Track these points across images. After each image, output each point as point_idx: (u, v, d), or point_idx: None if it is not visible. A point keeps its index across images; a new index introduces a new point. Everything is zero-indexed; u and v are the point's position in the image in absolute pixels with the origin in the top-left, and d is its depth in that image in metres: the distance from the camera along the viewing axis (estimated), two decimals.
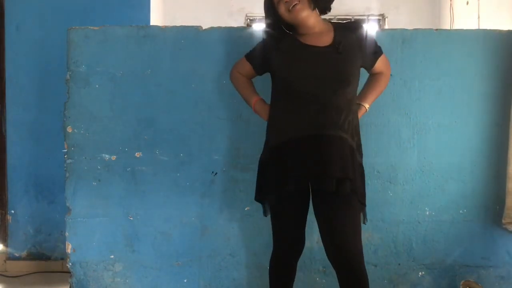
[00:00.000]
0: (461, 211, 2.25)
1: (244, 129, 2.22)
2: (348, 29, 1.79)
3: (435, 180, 2.23)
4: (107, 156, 2.22)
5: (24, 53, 2.92)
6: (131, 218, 2.24)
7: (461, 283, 2.23)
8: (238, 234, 2.26)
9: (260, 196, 1.86)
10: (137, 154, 2.23)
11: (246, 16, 3.93)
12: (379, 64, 1.86)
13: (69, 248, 2.24)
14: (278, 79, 1.81)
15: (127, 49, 2.21)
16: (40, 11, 2.92)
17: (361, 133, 1.83)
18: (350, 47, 1.75)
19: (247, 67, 1.93)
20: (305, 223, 1.84)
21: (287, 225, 1.82)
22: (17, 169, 2.95)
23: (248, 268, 2.27)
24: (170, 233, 2.25)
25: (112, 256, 2.25)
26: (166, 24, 2.48)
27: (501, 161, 2.22)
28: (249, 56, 1.92)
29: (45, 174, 2.93)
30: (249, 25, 3.90)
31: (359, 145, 1.79)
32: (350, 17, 3.85)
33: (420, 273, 2.27)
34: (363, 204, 1.75)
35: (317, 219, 1.75)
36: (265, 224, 2.25)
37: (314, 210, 1.76)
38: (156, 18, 3.28)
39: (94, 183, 2.22)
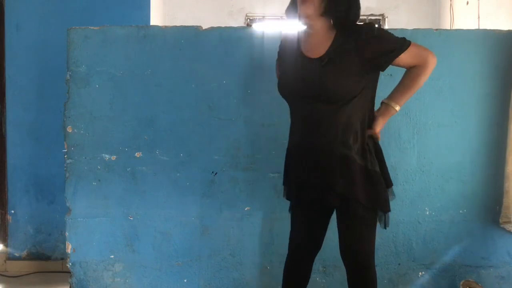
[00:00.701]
0: (461, 211, 2.25)
1: (244, 129, 2.22)
2: (348, 34, 1.66)
3: (435, 180, 2.23)
4: (107, 156, 2.22)
5: (24, 53, 2.92)
6: (131, 218, 2.25)
7: (461, 283, 2.23)
8: (238, 234, 2.26)
9: (283, 193, 1.90)
10: (137, 154, 2.23)
11: (246, 16, 3.93)
12: (406, 59, 1.69)
13: (69, 248, 2.24)
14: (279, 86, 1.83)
15: (127, 49, 2.21)
16: (40, 11, 2.92)
17: None
18: (342, 57, 1.64)
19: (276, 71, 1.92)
20: (321, 227, 1.82)
21: (300, 228, 1.84)
22: (17, 169, 2.95)
23: (248, 268, 2.27)
24: (170, 233, 2.25)
25: (112, 256, 2.25)
26: (166, 24, 2.48)
27: (501, 161, 2.22)
28: (276, 62, 1.92)
29: (45, 174, 2.93)
30: (249, 25, 3.90)
31: (364, 152, 1.68)
32: None
33: (420, 273, 2.27)
34: (376, 211, 1.72)
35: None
36: (265, 224, 2.25)
37: None
38: (156, 18, 3.28)
39: (94, 183, 2.23)
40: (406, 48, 1.68)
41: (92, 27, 2.21)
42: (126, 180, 2.23)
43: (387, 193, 1.74)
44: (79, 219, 2.24)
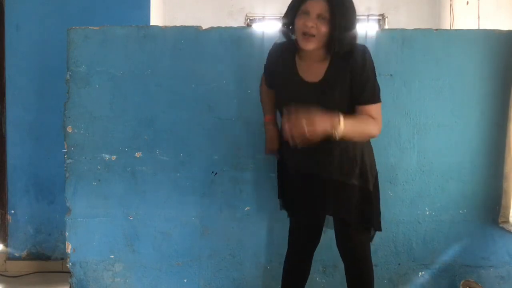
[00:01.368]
0: (461, 211, 2.25)
1: (244, 129, 2.22)
2: (344, 60, 1.66)
3: (435, 180, 2.23)
4: (107, 156, 2.22)
5: (24, 53, 2.92)
6: (131, 218, 2.24)
7: (461, 283, 2.23)
8: (238, 234, 2.26)
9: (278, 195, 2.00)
10: (137, 154, 2.23)
11: (246, 16, 3.93)
12: (368, 111, 1.68)
13: (69, 248, 2.24)
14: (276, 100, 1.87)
15: (127, 49, 2.21)
16: (40, 11, 2.92)
17: None
18: (339, 81, 1.67)
19: (264, 78, 1.94)
20: (319, 226, 1.91)
21: (298, 228, 1.92)
22: (17, 169, 2.95)
23: (248, 268, 2.27)
24: (170, 233, 2.25)
25: (112, 256, 2.25)
26: (166, 24, 2.48)
27: (501, 161, 2.22)
28: (264, 68, 1.94)
29: (45, 174, 2.93)
30: (249, 25, 3.90)
31: (362, 173, 1.75)
32: None
33: (420, 273, 2.27)
34: (366, 228, 1.81)
35: None
36: (265, 224, 2.25)
37: None
38: (156, 18, 3.28)
39: (94, 183, 2.22)
40: (373, 103, 1.69)
41: (92, 27, 2.21)
42: (126, 180, 2.23)
43: (380, 210, 1.83)
44: (79, 219, 2.24)
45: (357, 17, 1.68)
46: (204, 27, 2.22)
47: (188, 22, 2.31)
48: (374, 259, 2.23)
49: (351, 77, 1.66)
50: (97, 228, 2.24)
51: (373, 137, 1.74)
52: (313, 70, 1.71)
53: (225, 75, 2.21)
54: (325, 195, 1.76)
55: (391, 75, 2.21)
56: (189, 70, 2.21)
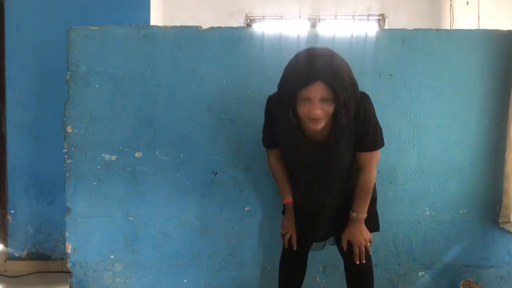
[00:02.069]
0: (461, 211, 2.25)
1: (244, 129, 2.22)
2: (348, 112, 1.62)
3: (435, 180, 2.23)
4: (107, 156, 2.22)
5: (24, 53, 2.92)
6: (131, 218, 2.24)
7: (461, 283, 2.23)
8: (238, 234, 2.26)
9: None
10: (137, 154, 2.23)
11: (246, 16, 3.93)
12: (364, 158, 1.76)
13: (69, 248, 2.24)
14: (282, 152, 1.88)
15: (127, 49, 2.21)
16: (40, 11, 2.92)
17: None
18: (344, 136, 1.69)
19: (271, 151, 1.91)
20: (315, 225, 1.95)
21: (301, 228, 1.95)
22: (17, 169, 2.95)
23: (248, 268, 2.27)
24: (170, 233, 2.25)
25: (112, 256, 2.25)
26: (166, 24, 2.48)
27: (501, 161, 2.22)
28: (264, 141, 1.92)
29: (45, 174, 2.94)
30: (249, 25, 3.89)
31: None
32: (350, 17, 3.86)
33: (420, 273, 2.27)
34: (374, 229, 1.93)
35: None
36: (265, 224, 2.25)
37: None
38: (156, 18, 3.28)
39: (94, 183, 2.22)
40: (374, 150, 1.76)
41: (92, 27, 2.21)
42: (126, 180, 2.23)
43: (377, 212, 1.94)
44: (79, 219, 2.24)
45: (354, 79, 1.61)
46: (204, 27, 2.22)
47: (188, 22, 2.31)
48: (374, 259, 2.23)
49: (355, 129, 1.70)
50: (97, 228, 2.24)
51: (372, 177, 1.82)
52: (318, 134, 1.70)
53: (225, 75, 2.21)
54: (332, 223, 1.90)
55: (391, 75, 2.20)
56: (189, 70, 2.21)
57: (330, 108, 1.56)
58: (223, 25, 2.24)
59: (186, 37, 2.21)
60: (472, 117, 2.23)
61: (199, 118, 2.22)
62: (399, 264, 2.26)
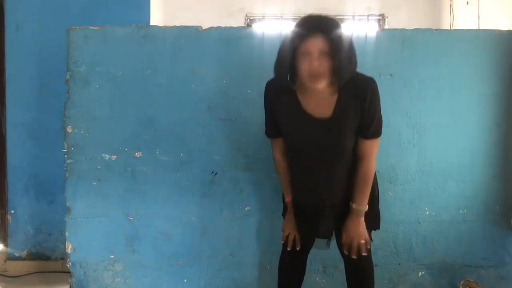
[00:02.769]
0: (461, 211, 2.25)
1: (244, 129, 2.22)
2: (350, 89, 1.66)
3: (435, 180, 2.23)
4: (107, 156, 2.22)
5: (24, 53, 2.92)
6: (131, 218, 2.24)
7: (461, 283, 2.23)
8: (238, 234, 2.26)
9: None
10: (137, 154, 2.23)
11: (246, 16, 3.93)
12: (366, 145, 1.74)
13: (69, 248, 2.24)
14: (284, 139, 1.85)
15: (127, 49, 2.21)
16: (40, 11, 2.92)
17: None
18: (348, 117, 1.68)
19: (276, 142, 1.88)
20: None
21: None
22: (17, 169, 2.95)
23: (248, 268, 2.27)
24: (170, 233, 2.25)
25: (112, 256, 2.25)
26: (166, 24, 2.48)
27: (501, 161, 2.22)
28: (267, 131, 1.89)
29: (45, 174, 2.93)
30: (249, 25, 3.89)
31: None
32: (350, 17, 3.86)
33: (420, 273, 2.27)
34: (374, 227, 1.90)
35: None
36: (265, 224, 2.25)
37: None
38: (156, 18, 3.28)
39: (94, 183, 2.22)
40: (377, 138, 1.76)
41: (92, 27, 2.21)
42: (126, 180, 2.23)
43: (379, 211, 1.90)
44: (79, 219, 2.24)
45: (353, 43, 1.65)
46: (204, 27, 2.22)
47: (188, 22, 2.31)
48: (374, 259, 2.23)
49: (359, 113, 1.68)
50: (97, 228, 2.24)
51: (372, 166, 1.79)
52: (321, 106, 1.69)
53: (225, 75, 2.21)
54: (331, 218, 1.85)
55: (391, 75, 2.21)
56: (189, 70, 2.21)
57: (329, 63, 1.58)
58: (223, 25, 2.24)
59: (186, 37, 2.21)
60: (472, 117, 2.23)
61: (199, 118, 2.22)
62: (399, 264, 2.26)
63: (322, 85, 1.62)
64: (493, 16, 2.88)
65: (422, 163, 2.23)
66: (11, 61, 2.92)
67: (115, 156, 2.22)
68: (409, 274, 2.27)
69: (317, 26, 1.57)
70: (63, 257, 2.89)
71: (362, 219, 1.77)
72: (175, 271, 2.27)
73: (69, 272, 2.26)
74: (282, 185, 1.92)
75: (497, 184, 2.23)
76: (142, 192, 2.23)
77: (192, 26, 2.22)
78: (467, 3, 3.21)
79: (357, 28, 3.77)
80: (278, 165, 1.89)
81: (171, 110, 2.22)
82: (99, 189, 2.23)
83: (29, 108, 2.93)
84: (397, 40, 2.20)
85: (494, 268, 2.27)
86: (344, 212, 1.81)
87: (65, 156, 2.22)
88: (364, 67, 2.17)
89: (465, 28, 2.67)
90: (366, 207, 1.77)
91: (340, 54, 1.57)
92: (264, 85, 1.94)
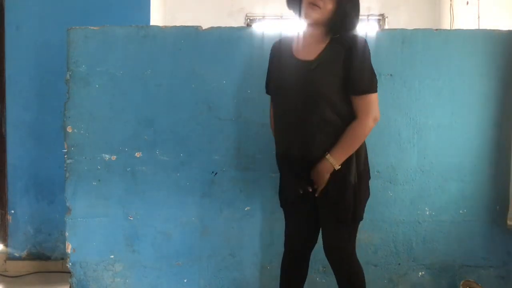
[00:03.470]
0: (461, 211, 2.25)
1: (244, 129, 2.22)
2: (341, 42, 1.70)
3: (435, 180, 2.23)
4: (107, 156, 2.22)
5: (24, 53, 2.91)
6: (131, 218, 2.24)
7: (461, 283, 2.23)
8: (238, 234, 2.26)
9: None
10: (137, 154, 2.23)
11: (246, 16, 3.93)
12: (359, 101, 1.70)
13: (69, 248, 2.24)
14: (271, 84, 1.88)
15: (127, 49, 2.21)
16: (40, 11, 2.92)
17: None
18: (330, 64, 1.69)
19: (267, 88, 1.94)
20: (314, 223, 1.88)
21: (294, 227, 1.92)
22: (17, 169, 2.94)
23: (248, 268, 2.27)
24: (170, 233, 2.25)
25: (112, 256, 2.25)
26: (166, 24, 2.48)
27: (501, 161, 2.22)
28: (266, 88, 1.94)
29: (45, 174, 2.93)
30: (249, 25, 3.89)
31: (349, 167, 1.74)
32: None
33: (420, 273, 2.27)
34: (343, 221, 1.76)
35: None
36: (265, 224, 2.25)
37: None
38: (156, 18, 3.28)
39: (94, 183, 2.22)
40: (369, 93, 1.71)
41: (92, 27, 2.21)
42: (126, 180, 2.23)
43: (359, 207, 1.77)
44: (79, 219, 2.24)
45: (360, 8, 1.75)
46: (204, 27, 2.22)
47: (188, 22, 2.31)
48: (374, 259, 2.24)
49: (346, 64, 1.68)
50: (97, 228, 2.24)
51: (369, 131, 1.73)
52: (309, 50, 1.74)
53: (225, 75, 2.21)
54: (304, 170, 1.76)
55: (391, 75, 2.21)
56: (189, 70, 2.21)
57: (330, 5, 1.67)
58: (223, 25, 2.24)
59: (186, 37, 2.21)
60: (472, 117, 2.23)
61: (199, 118, 2.22)
62: (399, 264, 2.26)
63: (315, 16, 1.68)
64: (493, 16, 2.88)
65: (422, 163, 2.23)
66: (11, 61, 2.92)
67: (115, 156, 2.22)
68: (409, 274, 2.27)
69: None
70: (63, 257, 2.89)
71: (326, 169, 1.69)
72: (175, 271, 2.27)
73: (69, 272, 2.26)
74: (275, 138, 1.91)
75: (497, 184, 2.23)
76: (142, 192, 2.23)
77: (192, 26, 2.22)
78: (467, 3, 3.21)
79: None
80: (272, 122, 1.93)
81: (171, 110, 2.22)
82: (99, 189, 2.23)
83: (29, 108, 2.92)
84: (397, 40, 2.20)
85: (494, 268, 2.27)
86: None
87: (65, 156, 2.22)
88: None
89: (465, 28, 2.67)
90: (337, 165, 1.69)
91: (345, 4, 1.67)
92: (263, 85, 1.95)
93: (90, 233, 2.24)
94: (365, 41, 1.72)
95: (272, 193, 2.20)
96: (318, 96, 1.69)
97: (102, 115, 2.22)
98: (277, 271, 2.02)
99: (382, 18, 3.92)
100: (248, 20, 3.95)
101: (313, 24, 1.73)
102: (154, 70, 2.21)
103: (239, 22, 3.88)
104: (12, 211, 2.96)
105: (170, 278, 2.27)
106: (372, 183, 2.19)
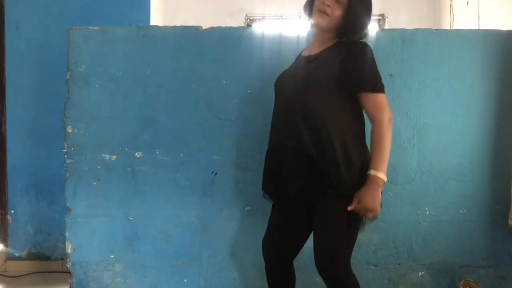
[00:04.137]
0: (461, 211, 2.25)
1: (244, 129, 2.22)
2: (344, 45, 1.71)
3: (435, 180, 2.23)
4: (107, 156, 2.22)
5: (24, 53, 2.92)
6: (131, 218, 2.24)
7: (461, 283, 2.23)
8: (238, 234, 2.26)
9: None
10: (137, 154, 2.23)
11: (246, 16, 3.93)
12: (368, 102, 1.67)
13: (69, 248, 2.24)
14: None
15: (127, 49, 2.21)
16: (40, 11, 2.92)
17: None
18: (328, 60, 1.70)
19: None
20: (296, 233, 1.83)
21: (272, 231, 1.89)
22: (17, 169, 2.95)
23: (248, 268, 2.26)
24: (170, 233, 2.25)
25: (112, 256, 2.25)
26: (166, 24, 2.48)
27: (501, 161, 2.22)
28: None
29: (45, 174, 2.93)
30: (249, 25, 3.89)
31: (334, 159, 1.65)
32: None
33: (420, 273, 2.27)
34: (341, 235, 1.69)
35: None
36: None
37: None
38: (156, 18, 3.28)
39: (94, 183, 2.22)
40: (375, 92, 1.66)
41: (92, 27, 2.21)
42: (126, 180, 2.23)
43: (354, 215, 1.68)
44: (79, 219, 2.24)
45: (371, 15, 1.76)
46: (204, 27, 2.22)
47: (188, 22, 2.31)
48: (374, 259, 2.24)
49: (342, 63, 1.66)
50: (97, 228, 2.24)
51: (388, 129, 1.66)
52: (313, 48, 1.80)
53: (225, 75, 2.21)
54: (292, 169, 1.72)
55: (391, 75, 2.21)
56: (189, 70, 2.21)
57: (339, 12, 1.69)
58: (223, 25, 2.24)
59: (186, 37, 2.21)
60: (472, 117, 2.23)
61: (199, 118, 2.22)
62: (399, 264, 2.26)
63: (323, 23, 1.71)
64: (493, 16, 2.88)
65: (422, 163, 2.23)
66: (11, 61, 2.92)
67: (115, 156, 2.22)
68: (409, 274, 2.27)
69: None
70: (63, 257, 2.89)
71: (379, 189, 1.60)
72: (175, 271, 2.27)
73: (69, 272, 2.26)
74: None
75: (497, 184, 2.23)
76: (142, 192, 2.23)
77: (192, 26, 2.22)
78: (467, 3, 3.21)
79: None
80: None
81: (171, 110, 2.22)
82: (99, 189, 2.23)
83: (29, 108, 2.93)
84: (397, 40, 2.20)
85: (494, 268, 2.27)
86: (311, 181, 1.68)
87: (65, 156, 2.22)
88: None
89: (465, 28, 2.67)
90: (383, 176, 1.61)
91: (354, 10, 1.68)
92: (263, 85, 1.96)
93: (90, 233, 2.24)
94: (368, 46, 1.71)
95: None
96: (308, 85, 1.69)
97: (102, 115, 2.22)
98: None
99: (382, 18, 3.92)
100: (248, 20, 3.95)
101: (322, 30, 1.77)
102: (154, 70, 2.21)
103: (239, 22, 3.88)
104: (12, 211, 2.96)
105: (170, 278, 2.27)
106: None
